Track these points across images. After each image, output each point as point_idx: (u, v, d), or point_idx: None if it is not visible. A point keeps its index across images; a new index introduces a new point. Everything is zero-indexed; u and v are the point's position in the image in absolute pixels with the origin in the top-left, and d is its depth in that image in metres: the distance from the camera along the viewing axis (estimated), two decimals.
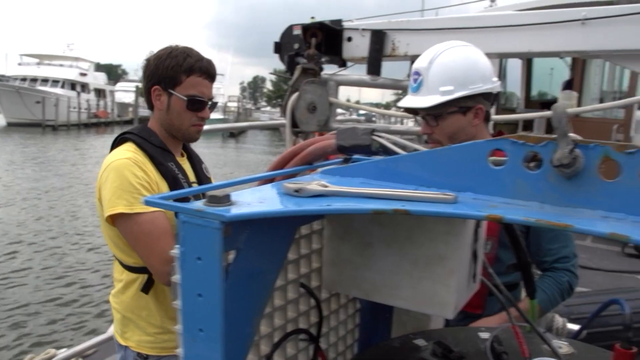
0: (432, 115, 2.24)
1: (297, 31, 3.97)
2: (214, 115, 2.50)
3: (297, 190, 1.02)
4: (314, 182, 1.05)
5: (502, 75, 10.29)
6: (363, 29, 3.89)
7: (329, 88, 3.68)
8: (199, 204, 0.94)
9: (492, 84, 2.23)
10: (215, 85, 2.86)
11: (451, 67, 2.18)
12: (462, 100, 2.19)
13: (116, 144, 2.42)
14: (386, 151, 1.36)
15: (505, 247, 2.24)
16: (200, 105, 2.42)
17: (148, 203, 1.00)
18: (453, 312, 1.22)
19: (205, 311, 0.98)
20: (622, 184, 0.90)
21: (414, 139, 3.88)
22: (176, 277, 1.00)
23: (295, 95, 3.68)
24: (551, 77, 11.71)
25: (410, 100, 2.28)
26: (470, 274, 1.30)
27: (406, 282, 1.23)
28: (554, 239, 2.38)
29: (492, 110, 2.38)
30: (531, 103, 10.27)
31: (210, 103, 2.47)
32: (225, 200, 0.95)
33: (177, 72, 2.36)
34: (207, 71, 2.43)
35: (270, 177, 1.46)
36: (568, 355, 1.44)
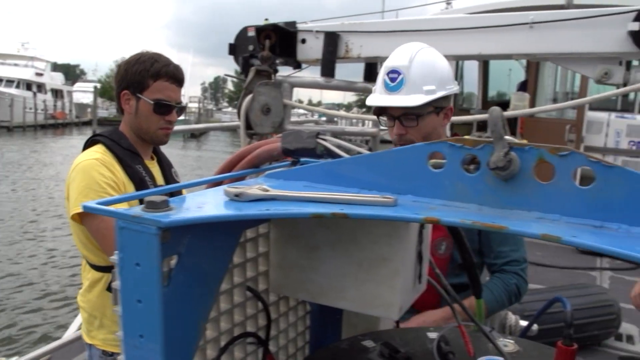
0: (413, 114, 2.19)
1: (252, 33, 3.96)
2: None
3: (237, 195, 1.01)
4: (255, 186, 1.04)
5: (459, 76, 10.44)
6: (317, 31, 3.90)
7: (283, 90, 3.68)
8: (136, 210, 0.93)
9: (456, 85, 2.30)
10: None
11: (431, 66, 2.18)
12: (438, 101, 2.19)
13: (87, 145, 2.49)
14: (331, 154, 1.36)
15: None
16: (167, 109, 2.47)
17: (86, 208, 0.99)
18: (398, 313, 1.22)
19: (145, 317, 0.96)
20: (556, 185, 0.92)
21: (370, 140, 3.91)
22: (116, 283, 0.98)
23: (249, 97, 3.67)
24: (509, 78, 11.97)
25: (391, 99, 2.19)
26: (416, 275, 1.31)
27: (351, 285, 1.24)
28: (504, 242, 2.39)
29: None
30: (488, 104, 10.44)
31: (177, 107, 2.52)
32: (163, 205, 0.94)
33: (144, 77, 2.42)
34: (174, 76, 2.48)
35: (219, 181, 1.45)
36: (513, 353, 1.46)
